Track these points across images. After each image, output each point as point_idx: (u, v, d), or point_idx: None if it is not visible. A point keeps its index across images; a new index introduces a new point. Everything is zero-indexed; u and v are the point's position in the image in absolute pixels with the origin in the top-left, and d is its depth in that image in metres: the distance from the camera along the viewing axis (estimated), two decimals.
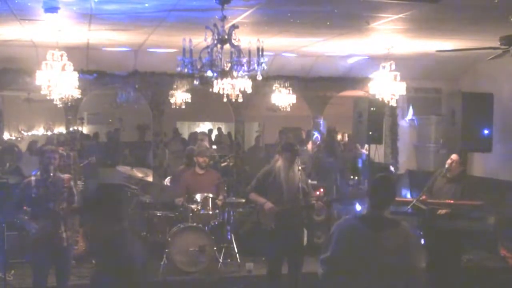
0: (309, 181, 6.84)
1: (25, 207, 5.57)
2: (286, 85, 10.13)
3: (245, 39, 5.22)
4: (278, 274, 6.16)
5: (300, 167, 6.13)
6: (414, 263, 3.57)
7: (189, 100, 11.44)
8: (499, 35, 6.30)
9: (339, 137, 13.88)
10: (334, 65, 10.01)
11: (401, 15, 6.09)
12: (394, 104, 8.87)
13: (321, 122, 10.99)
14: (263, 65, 5.02)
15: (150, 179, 8.67)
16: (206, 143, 11.67)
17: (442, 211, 6.58)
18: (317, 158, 10.21)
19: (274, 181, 6.09)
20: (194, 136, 12.98)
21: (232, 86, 5.20)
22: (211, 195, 7.39)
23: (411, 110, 10.88)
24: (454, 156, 6.88)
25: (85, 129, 13.69)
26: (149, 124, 10.59)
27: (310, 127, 11.29)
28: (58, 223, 5.45)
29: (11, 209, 5.62)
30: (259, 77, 5.15)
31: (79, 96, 8.00)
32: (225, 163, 10.10)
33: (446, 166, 6.81)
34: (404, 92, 8.22)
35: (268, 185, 6.13)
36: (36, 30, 7.15)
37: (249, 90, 5.40)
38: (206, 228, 7.21)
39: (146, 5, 5.76)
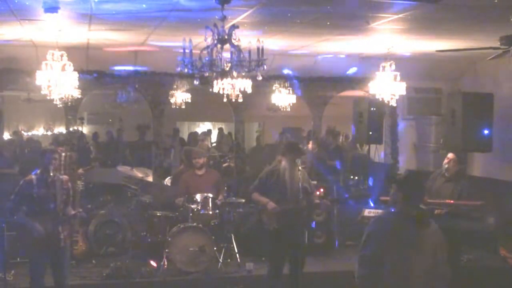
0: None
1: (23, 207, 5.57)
2: (286, 85, 10.12)
3: (245, 39, 5.21)
4: (279, 274, 6.16)
5: (300, 167, 6.14)
6: (445, 259, 3.61)
7: (189, 100, 11.45)
8: (499, 35, 6.30)
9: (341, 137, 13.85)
10: (334, 65, 10.01)
11: (401, 15, 6.09)
12: (394, 104, 8.87)
13: None
14: (263, 65, 5.02)
15: (150, 179, 8.68)
16: (208, 143, 11.68)
17: (438, 211, 6.56)
18: (317, 158, 10.19)
19: (278, 181, 6.08)
20: (194, 136, 12.98)
21: (232, 86, 5.20)
22: (211, 195, 7.39)
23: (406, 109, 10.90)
24: (450, 155, 6.86)
25: (85, 129, 13.67)
26: (149, 124, 10.59)
27: (310, 127, 11.29)
28: (56, 224, 5.48)
29: (11, 208, 5.60)
30: (259, 77, 5.15)
31: (79, 96, 7.99)
32: (226, 164, 10.10)
33: (445, 166, 6.81)
34: (404, 92, 8.22)
35: (271, 185, 6.13)
36: (36, 30, 7.15)
37: (249, 90, 5.39)
38: (206, 228, 7.20)
39: (144, 6, 5.76)
